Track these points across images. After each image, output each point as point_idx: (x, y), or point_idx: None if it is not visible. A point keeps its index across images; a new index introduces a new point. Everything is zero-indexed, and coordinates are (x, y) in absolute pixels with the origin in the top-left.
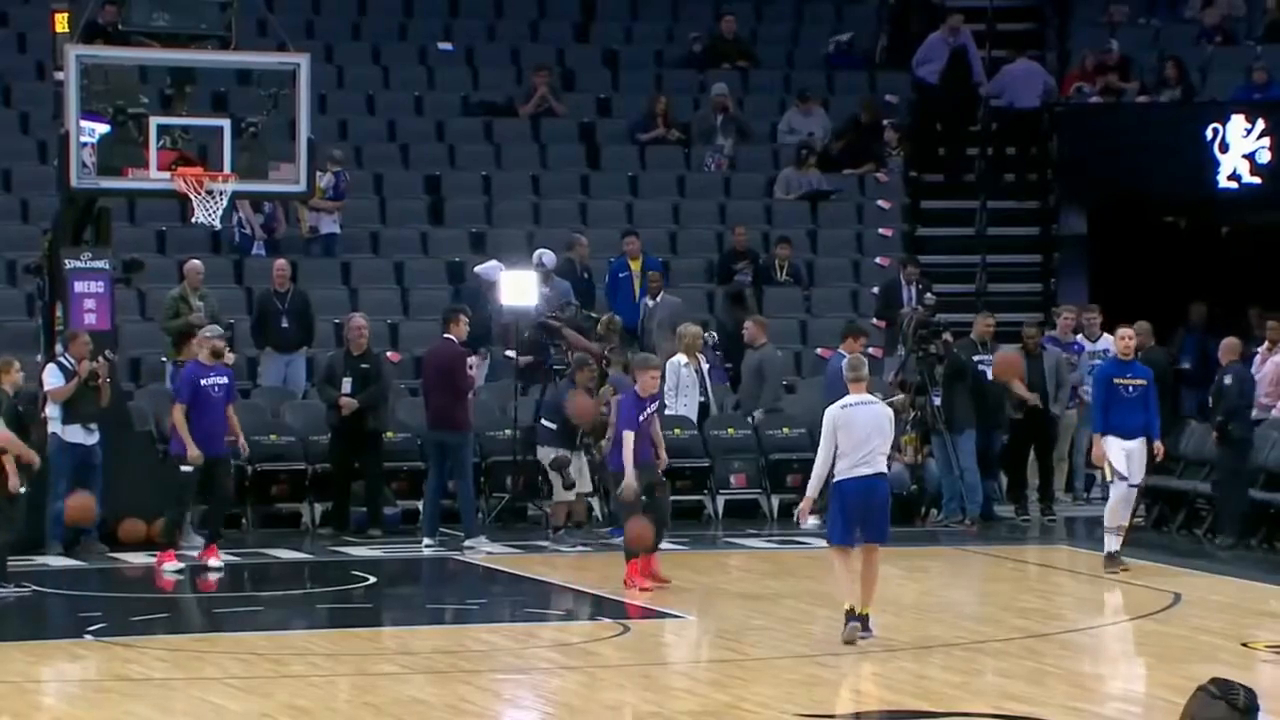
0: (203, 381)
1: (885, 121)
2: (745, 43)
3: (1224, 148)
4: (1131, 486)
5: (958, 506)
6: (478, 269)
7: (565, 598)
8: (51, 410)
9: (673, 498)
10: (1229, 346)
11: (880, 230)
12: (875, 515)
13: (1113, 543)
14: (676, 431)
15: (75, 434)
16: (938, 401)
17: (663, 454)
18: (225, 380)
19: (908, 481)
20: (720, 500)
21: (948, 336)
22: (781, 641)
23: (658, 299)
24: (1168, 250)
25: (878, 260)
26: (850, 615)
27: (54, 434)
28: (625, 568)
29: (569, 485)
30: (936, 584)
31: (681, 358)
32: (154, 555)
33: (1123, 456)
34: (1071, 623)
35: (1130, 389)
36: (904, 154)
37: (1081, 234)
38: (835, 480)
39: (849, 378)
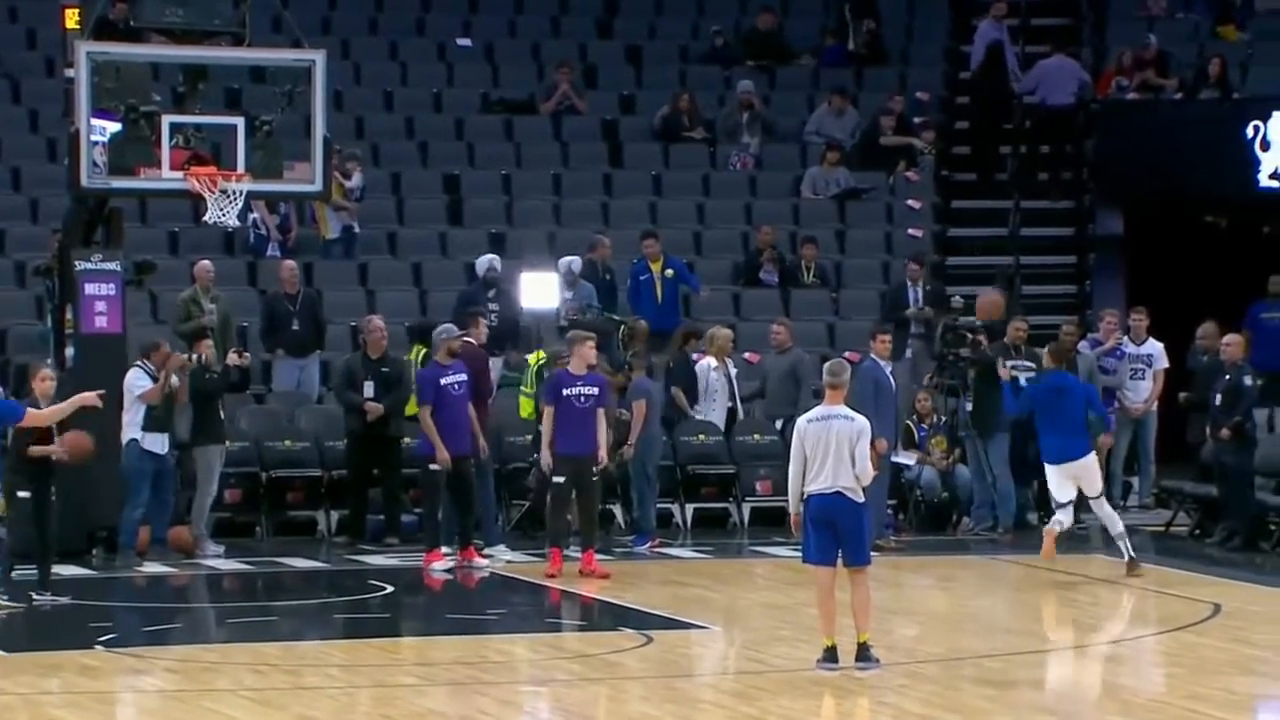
0: (442, 381)
1: (917, 119)
2: (777, 38)
3: (1265, 146)
4: None
5: (989, 513)
6: (480, 261)
7: (585, 608)
8: (130, 417)
9: (699, 505)
10: (1240, 343)
11: (910, 230)
12: (849, 536)
13: None
14: (702, 437)
15: (154, 442)
16: (969, 406)
17: (602, 453)
18: (465, 378)
19: (938, 488)
20: (746, 508)
21: (981, 338)
22: (807, 652)
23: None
24: (1207, 251)
25: (907, 261)
26: (829, 654)
27: (133, 440)
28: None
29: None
30: (967, 594)
31: (711, 361)
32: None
33: None
34: (1107, 634)
35: None
36: (934, 152)
37: (1118, 234)
38: (805, 495)
39: (824, 383)
